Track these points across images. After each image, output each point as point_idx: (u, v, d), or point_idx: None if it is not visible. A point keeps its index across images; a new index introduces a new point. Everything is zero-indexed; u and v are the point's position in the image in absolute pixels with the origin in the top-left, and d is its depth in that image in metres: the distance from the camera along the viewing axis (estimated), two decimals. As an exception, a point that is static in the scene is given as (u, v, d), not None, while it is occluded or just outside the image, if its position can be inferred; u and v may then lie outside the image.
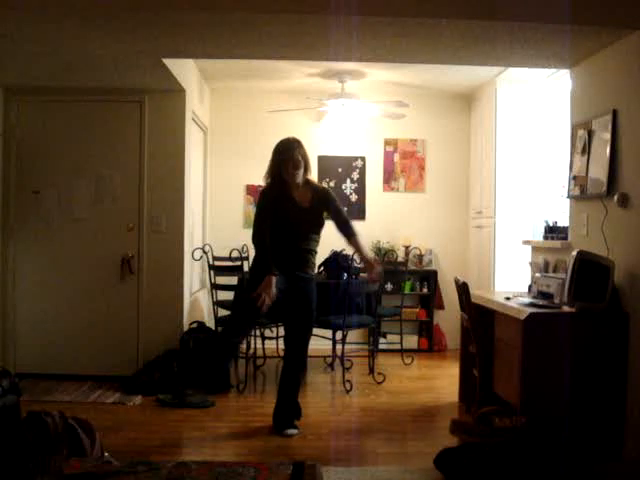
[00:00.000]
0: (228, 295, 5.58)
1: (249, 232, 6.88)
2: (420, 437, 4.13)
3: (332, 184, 6.88)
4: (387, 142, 6.95)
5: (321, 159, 6.82)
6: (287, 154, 3.99)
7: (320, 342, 5.40)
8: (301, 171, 4.02)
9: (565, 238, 4.48)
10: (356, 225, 6.72)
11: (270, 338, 5.86)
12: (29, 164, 5.30)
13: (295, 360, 4.17)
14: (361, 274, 5.70)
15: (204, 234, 6.58)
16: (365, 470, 3.44)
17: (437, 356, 6.60)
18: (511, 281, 5.62)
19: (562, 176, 4.65)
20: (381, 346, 6.48)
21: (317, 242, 4.15)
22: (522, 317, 3.67)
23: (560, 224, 4.68)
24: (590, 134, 4.07)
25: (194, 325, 5.36)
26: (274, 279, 3.89)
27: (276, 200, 4.02)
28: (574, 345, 3.61)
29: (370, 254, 4.33)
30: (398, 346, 6.17)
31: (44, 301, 5.31)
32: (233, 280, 5.45)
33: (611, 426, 3.66)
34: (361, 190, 6.92)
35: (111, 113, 5.33)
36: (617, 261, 3.68)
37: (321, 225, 4.14)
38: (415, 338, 6.76)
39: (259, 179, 7.07)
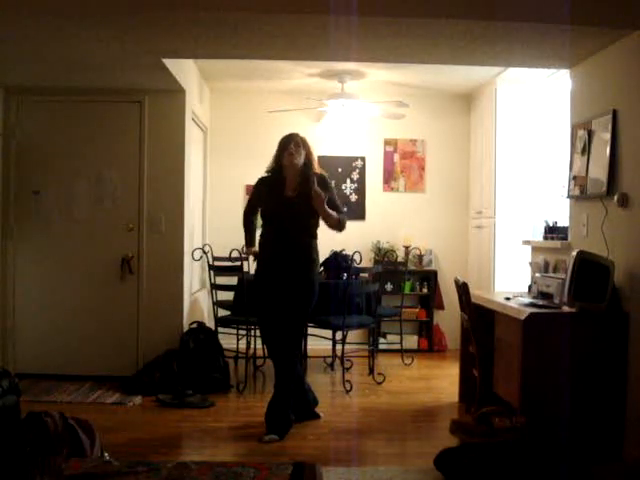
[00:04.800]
0: (228, 295, 5.58)
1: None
2: (420, 437, 4.13)
3: (332, 184, 6.86)
4: (387, 142, 6.95)
5: (321, 159, 6.72)
6: (286, 143, 4.09)
7: (320, 342, 5.40)
8: (299, 158, 4.08)
9: (565, 238, 4.47)
10: (356, 225, 6.82)
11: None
12: (29, 164, 5.30)
13: (285, 358, 4.07)
14: (361, 274, 5.70)
15: (204, 234, 6.58)
16: (365, 470, 3.43)
17: (437, 356, 6.60)
18: (511, 281, 5.62)
19: (562, 176, 4.65)
20: (381, 346, 6.49)
21: (306, 233, 4.06)
22: (522, 317, 3.67)
23: (560, 224, 4.68)
24: (590, 134, 4.07)
25: (194, 325, 5.36)
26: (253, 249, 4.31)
27: (264, 188, 4.17)
28: (574, 345, 3.60)
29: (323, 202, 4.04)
30: (398, 346, 6.17)
31: (44, 301, 5.31)
32: (233, 280, 5.44)
33: (611, 426, 3.65)
34: (361, 190, 6.92)
35: (111, 113, 5.33)
36: (617, 261, 3.67)
37: (306, 215, 4.04)
38: (415, 338, 6.76)
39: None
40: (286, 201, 4.05)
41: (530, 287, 4.51)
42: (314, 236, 4.12)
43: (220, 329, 5.41)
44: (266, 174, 4.23)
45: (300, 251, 4.03)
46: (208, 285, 5.74)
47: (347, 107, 6.13)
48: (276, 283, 4.03)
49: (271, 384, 3.95)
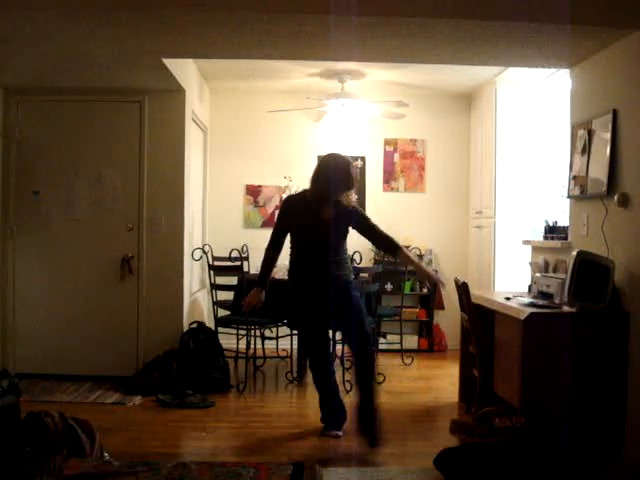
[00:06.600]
0: (228, 295, 5.58)
1: (249, 232, 6.82)
2: (420, 437, 4.12)
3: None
4: (387, 142, 6.94)
5: (321, 159, 6.81)
6: (342, 184, 3.91)
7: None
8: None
9: (565, 238, 4.48)
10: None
11: (270, 338, 5.87)
12: (29, 164, 5.30)
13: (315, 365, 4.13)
14: (361, 274, 5.70)
15: (204, 234, 6.58)
16: (365, 470, 3.43)
17: (437, 356, 6.59)
18: (511, 281, 5.62)
19: (562, 176, 4.65)
20: (381, 346, 6.48)
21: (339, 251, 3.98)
22: (522, 317, 3.67)
23: (560, 224, 4.68)
24: (590, 134, 4.07)
25: (194, 325, 5.36)
26: (261, 292, 4.02)
27: (296, 207, 3.97)
28: (574, 345, 3.60)
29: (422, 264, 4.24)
30: (398, 346, 6.17)
31: (44, 301, 5.31)
32: (233, 280, 5.44)
33: (611, 426, 3.66)
34: (361, 190, 6.91)
35: (111, 113, 5.33)
36: (617, 261, 3.67)
37: (339, 237, 3.98)
38: (415, 338, 6.76)
39: (259, 179, 7.04)
40: (324, 224, 3.89)
41: (530, 287, 4.51)
42: (347, 256, 4.09)
43: (220, 329, 5.41)
44: (294, 194, 4.15)
45: (338, 278, 3.92)
46: (208, 285, 5.74)
47: (347, 107, 6.13)
48: (319, 306, 3.93)
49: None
